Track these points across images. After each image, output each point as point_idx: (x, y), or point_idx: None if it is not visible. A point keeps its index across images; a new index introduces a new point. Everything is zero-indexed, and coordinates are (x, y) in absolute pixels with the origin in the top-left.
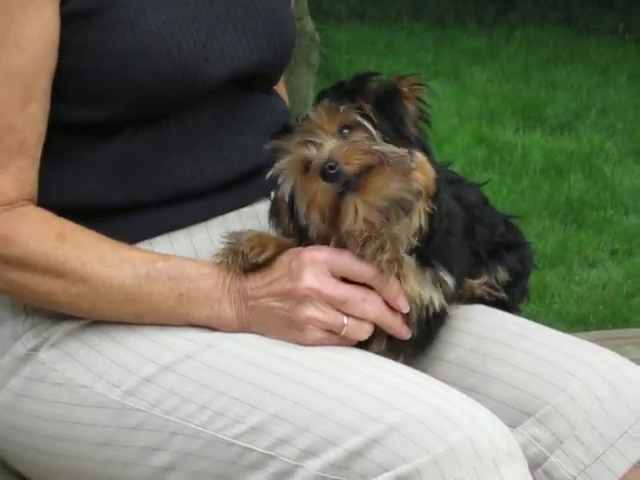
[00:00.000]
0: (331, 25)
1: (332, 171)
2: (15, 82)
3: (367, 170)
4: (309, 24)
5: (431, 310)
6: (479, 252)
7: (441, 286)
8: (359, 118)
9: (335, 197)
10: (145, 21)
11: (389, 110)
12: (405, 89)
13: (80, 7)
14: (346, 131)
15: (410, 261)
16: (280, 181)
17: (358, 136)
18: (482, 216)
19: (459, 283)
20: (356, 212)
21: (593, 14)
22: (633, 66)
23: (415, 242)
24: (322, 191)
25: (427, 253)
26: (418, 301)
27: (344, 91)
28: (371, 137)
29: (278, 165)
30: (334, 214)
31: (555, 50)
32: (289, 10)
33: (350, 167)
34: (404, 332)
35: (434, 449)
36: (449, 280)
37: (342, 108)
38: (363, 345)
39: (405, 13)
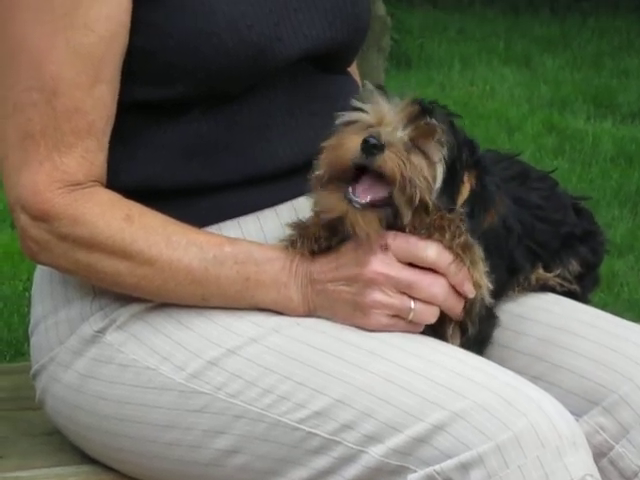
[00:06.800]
0: (403, 9)
1: None
2: (83, 63)
3: None
4: (381, 8)
5: (487, 300)
6: (537, 252)
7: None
8: None
9: None
10: (217, 1)
11: None
12: None
13: None
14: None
15: (478, 248)
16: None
17: None
18: (544, 215)
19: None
20: None
21: None
22: None
23: None
24: None
25: None
26: (485, 289)
27: None
28: None
29: None
30: None
31: (628, 38)
32: None
33: None
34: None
35: (498, 436)
36: None
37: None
38: None
39: None
